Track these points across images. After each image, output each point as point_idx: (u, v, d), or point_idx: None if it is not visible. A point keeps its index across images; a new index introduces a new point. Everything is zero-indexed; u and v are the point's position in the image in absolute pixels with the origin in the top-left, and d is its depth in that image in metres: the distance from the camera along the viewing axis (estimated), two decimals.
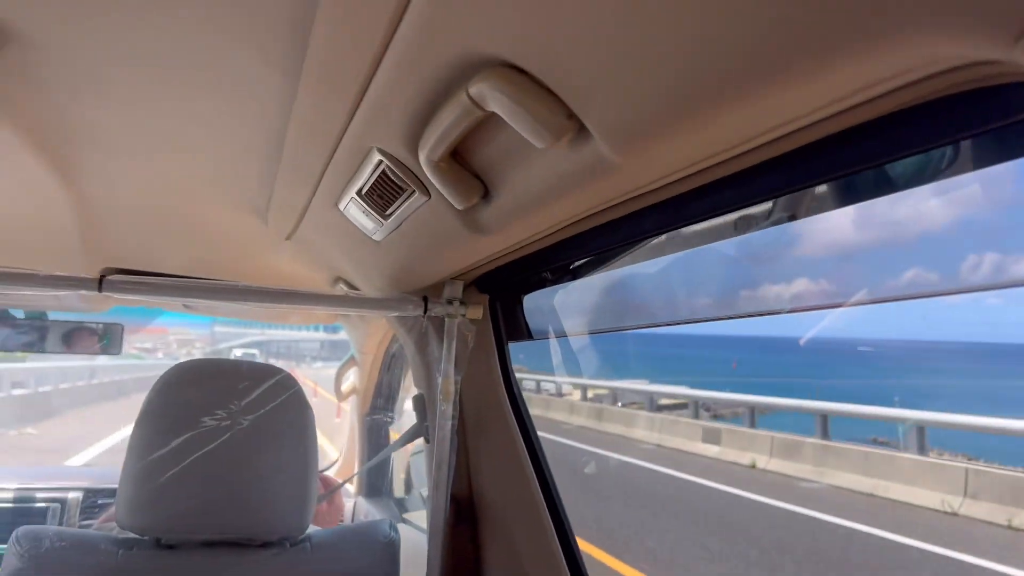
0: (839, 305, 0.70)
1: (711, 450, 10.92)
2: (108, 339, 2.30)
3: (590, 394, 16.81)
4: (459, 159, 0.78)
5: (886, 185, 0.57)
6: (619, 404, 15.64)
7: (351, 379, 2.78)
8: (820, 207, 0.65)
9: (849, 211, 0.61)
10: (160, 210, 1.50)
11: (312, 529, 1.24)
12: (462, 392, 1.29)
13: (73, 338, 2.29)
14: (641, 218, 0.75)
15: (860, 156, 0.52)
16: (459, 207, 0.83)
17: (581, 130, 0.60)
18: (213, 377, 1.17)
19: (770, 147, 0.56)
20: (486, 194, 0.81)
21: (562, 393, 18.01)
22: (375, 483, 2.63)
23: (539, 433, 1.26)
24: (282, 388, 1.17)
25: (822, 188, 0.63)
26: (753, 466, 9.94)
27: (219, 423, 1.11)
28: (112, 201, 1.45)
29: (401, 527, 2.14)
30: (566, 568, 1.15)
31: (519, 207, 0.78)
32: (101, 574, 1.05)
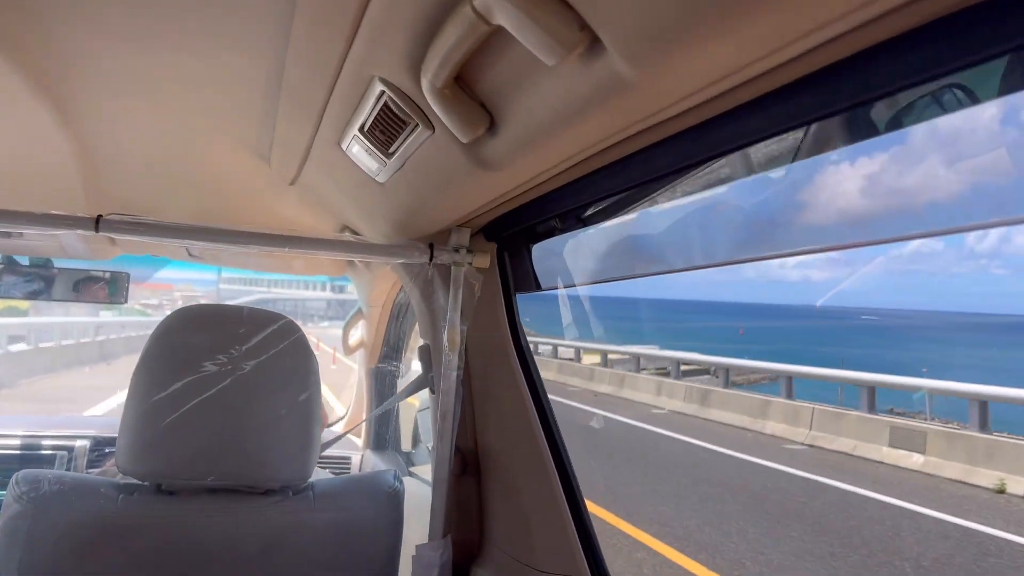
0: (878, 242, 0.64)
1: (910, 460, 7.80)
2: (114, 287, 2.29)
3: (585, 360, 16.39)
4: (463, 86, 0.74)
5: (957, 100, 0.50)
6: (641, 370, 14.60)
7: (359, 332, 2.78)
8: (876, 129, 0.57)
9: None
10: (161, 153, 1.47)
11: (316, 477, 1.24)
12: (468, 342, 1.27)
13: (79, 286, 2.28)
14: (660, 150, 0.71)
15: (929, 61, 0.46)
16: (464, 140, 0.79)
17: (594, 42, 0.56)
18: (214, 322, 1.15)
19: (814, 55, 0.50)
20: (492, 125, 0.77)
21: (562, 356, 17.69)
22: (382, 437, 2.65)
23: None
24: (284, 334, 1.16)
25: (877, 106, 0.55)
26: (1001, 491, 6.89)
27: (220, 368, 1.10)
28: (112, 144, 1.41)
29: (407, 480, 2.15)
30: (572, 524, 1.14)
31: (527, 138, 0.74)
32: (100, 518, 1.05)
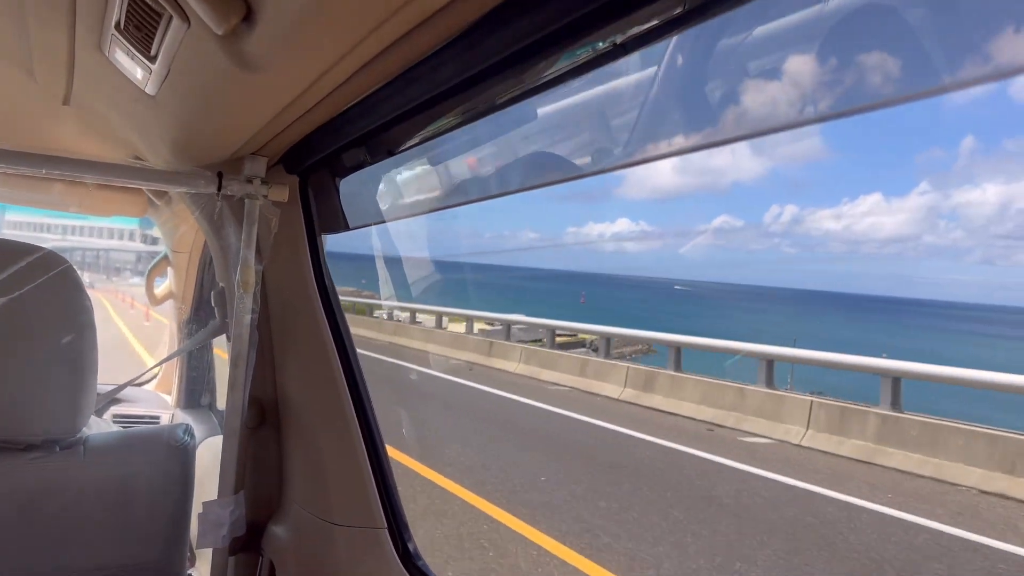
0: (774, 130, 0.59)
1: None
2: None
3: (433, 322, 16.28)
4: None
5: None
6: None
7: (166, 281, 2.55)
8: None
9: None
10: None
11: (90, 431, 1.12)
12: (266, 284, 1.18)
13: None
14: (444, 56, 0.67)
15: None
16: (219, 31, 0.69)
17: None
18: None
19: None
20: (249, 13, 0.67)
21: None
22: (194, 394, 2.47)
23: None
24: (44, 267, 1.01)
25: None
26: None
27: None
28: None
29: (218, 439, 2.01)
30: (372, 477, 1.12)
31: (288, 28, 0.67)
32: None
